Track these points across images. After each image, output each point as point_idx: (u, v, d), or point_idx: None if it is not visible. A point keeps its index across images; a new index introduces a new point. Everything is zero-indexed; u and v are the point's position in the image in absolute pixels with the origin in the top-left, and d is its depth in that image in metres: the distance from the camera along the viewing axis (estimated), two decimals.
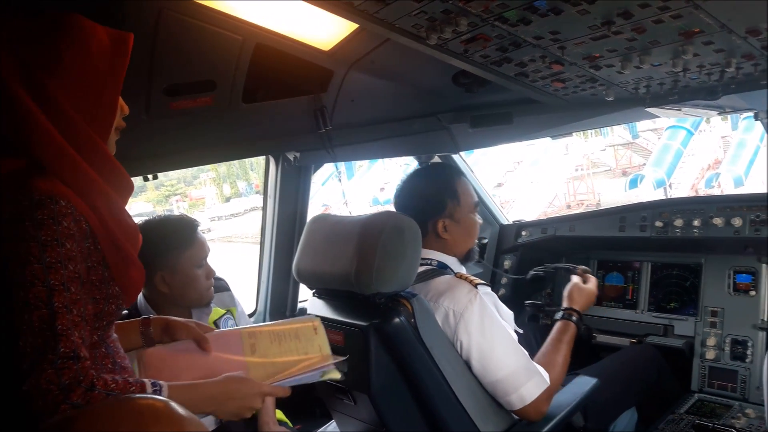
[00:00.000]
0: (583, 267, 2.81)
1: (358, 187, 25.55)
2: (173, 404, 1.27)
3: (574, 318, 2.52)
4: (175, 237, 2.49)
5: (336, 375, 1.82)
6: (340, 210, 28.87)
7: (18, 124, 1.41)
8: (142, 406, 1.25)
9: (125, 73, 1.55)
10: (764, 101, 2.57)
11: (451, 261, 2.48)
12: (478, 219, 2.58)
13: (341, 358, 1.84)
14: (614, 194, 25.60)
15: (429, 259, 2.43)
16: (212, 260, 2.66)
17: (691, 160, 23.72)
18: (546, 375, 2.26)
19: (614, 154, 28.79)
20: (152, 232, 2.39)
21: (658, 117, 3.04)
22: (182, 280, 2.50)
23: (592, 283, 2.72)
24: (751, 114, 2.76)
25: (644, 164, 25.06)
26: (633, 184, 22.89)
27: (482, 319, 2.21)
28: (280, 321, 1.93)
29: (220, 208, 36.64)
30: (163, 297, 2.53)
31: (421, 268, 2.34)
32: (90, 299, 1.48)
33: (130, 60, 1.56)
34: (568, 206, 27.39)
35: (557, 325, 2.52)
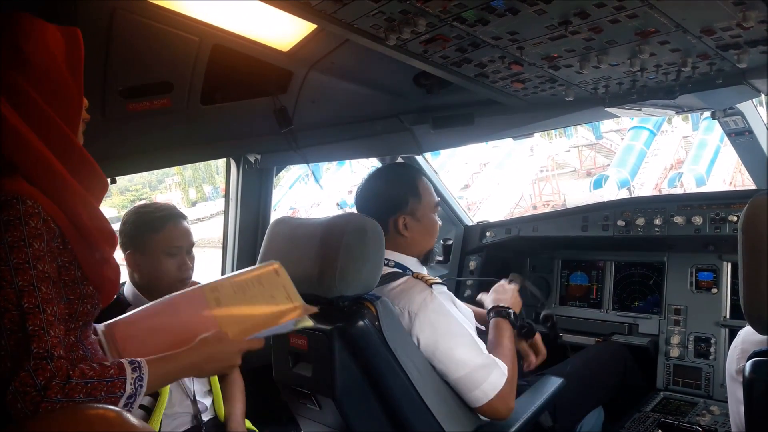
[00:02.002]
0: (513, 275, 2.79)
1: (326, 190, 25.51)
2: (126, 414, 1.27)
3: (503, 312, 2.46)
4: (148, 219, 2.43)
5: (308, 322, 1.80)
6: (308, 213, 28.84)
7: None
8: (93, 417, 1.25)
9: (83, 67, 1.54)
10: (721, 100, 2.61)
11: (411, 262, 2.45)
12: (438, 220, 2.57)
13: (312, 308, 1.81)
14: (579, 195, 25.93)
15: (387, 259, 2.38)
16: None
17: (654, 160, 24.16)
18: (505, 367, 2.24)
19: (578, 155, 29.16)
20: (132, 215, 2.43)
21: (618, 117, 3.07)
22: (150, 264, 2.43)
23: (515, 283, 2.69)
24: (709, 114, 2.80)
25: (608, 165, 25.44)
26: (597, 184, 23.21)
27: (437, 319, 2.19)
28: (240, 270, 1.88)
29: (186, 213, 36.22)
30: (139, 285, 2.48)
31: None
32: (63, 299, 1.47)
33: (84, 61, 1.55)
34: (534, 207, 27.67)
35: (491, 325, 2.46)
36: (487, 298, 2.60)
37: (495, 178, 25.62)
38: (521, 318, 2.55)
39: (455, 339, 2.19)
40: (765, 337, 1.59)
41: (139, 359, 1.47)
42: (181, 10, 2.07)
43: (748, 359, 1.60)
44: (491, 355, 2.23)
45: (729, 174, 21.74)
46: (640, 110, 2.73)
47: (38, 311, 1.35)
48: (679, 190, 22.22)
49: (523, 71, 2.36)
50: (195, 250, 2.59)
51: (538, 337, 2.63)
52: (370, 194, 2.49)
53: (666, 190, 23.55)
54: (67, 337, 1.49)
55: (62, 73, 1.50)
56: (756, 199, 1.52)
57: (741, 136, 2.87)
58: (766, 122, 2.87)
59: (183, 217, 2.55)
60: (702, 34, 1.90)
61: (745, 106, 2.72)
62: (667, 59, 2.14)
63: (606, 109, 2.68)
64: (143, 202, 2.64)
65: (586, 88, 2.53)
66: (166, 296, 1.79)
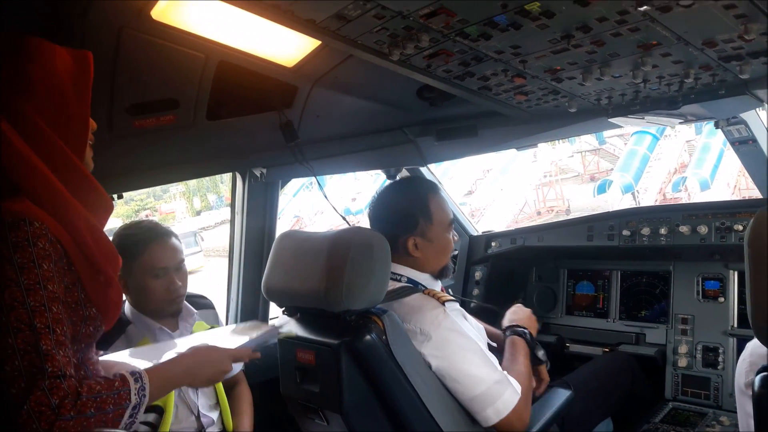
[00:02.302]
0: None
1: (330, 198, 25.51)
2: None
3: (519, 330, 2.50)
4: (128, 242, 2.42)
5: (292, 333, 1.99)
6: (311, 220, 28.85)
7: None
8: None
9: (91, 89, 1.56)
10: (724, 110, 2.62)
11: (423, 278, 2.44)
12: (454, 236, 2.56)
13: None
14: (583, 200, 25.93)
15: (399, 275, 2.39)
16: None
17: (657, 164, 24.17)
18: (518, 385, 2.24)
19: (582, 160, 29.21)
20: (115, 238, 2.40)
21: (621, 126, 3.08)
22: (138, 287, 2.44)
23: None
24: (712, 122, 2.81)
25: (612, 169, 25.46)
26: (601, 189, 23.23)
27: (451, 337, 2.19)
28: None
29: (191, 222, 36.24)
30: (135, 305, 2.49)
31: (392, 285, 2.32)
32: (68, 321, 1.48)
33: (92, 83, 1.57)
34: (539, 213, 27.70)
35: (507, 343, 2.48)
36: (505, 318, 2.62)
37: (498, 183, 25.65)
38: (536, 341, 2.54)
39: (469, 357, 2.19)
40: None
41: (138, 369, 1.52)
42: (188, 28, 2.08)
43: (758, 373, 1.60)
44: (504, 372, 2.23)
45: (733, 177, 21.72)
46: (643, 119, 2.74)
47: (49, 331, 1.37)
48: (683, 194, 22.21)
49: (526, 84, 2.37)
50: (201, 260, 2.59)
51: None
52: (381, 212, 2.48)
53: (670, 195, 23.54)
54: (74, 356, 1.50)
55: (68, 97, 1.51)
56: (762, 212, 1.52)
57: (744, 145, 2.87)
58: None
59: (167, 235, 2.53)
60: (704, 46, 1.91)
61: (748, 115, 2.73)
62: (670, 70, 2.15)
63: (609, 119, 2.69)
64: (128, 222, 2.63)
65: (589, 99, 2.54)
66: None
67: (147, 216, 39.00)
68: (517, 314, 2.61)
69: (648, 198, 23.32)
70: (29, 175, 1.44)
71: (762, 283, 1.48)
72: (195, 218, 37.51)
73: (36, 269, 1.38)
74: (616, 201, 22.98)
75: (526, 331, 2.50)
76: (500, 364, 2.34)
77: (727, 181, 21.82)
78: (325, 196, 3.15)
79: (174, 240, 2.56)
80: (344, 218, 3.60)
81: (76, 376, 1.49)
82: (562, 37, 1.89)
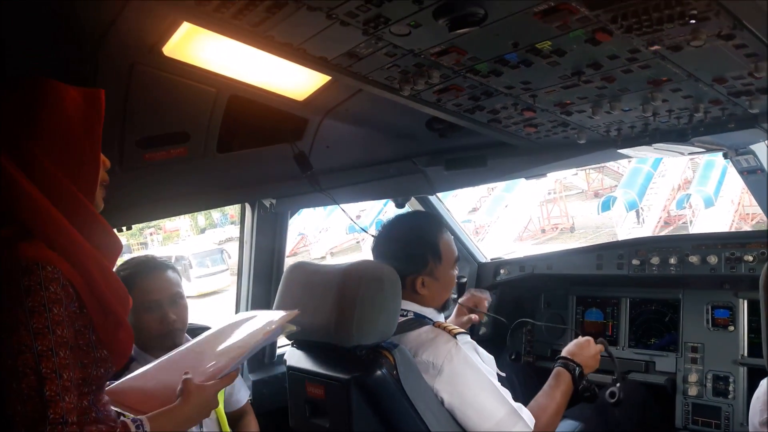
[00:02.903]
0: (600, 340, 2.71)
1: (335, 216, 25.53)
2: None
3: (571, 365, 2.47)
4: (121, 277, 2.40)
5: (293, 328, 2.01)
6: (316, 238, 28.80)
7: (3, 190, 1.42)
8: None
9: (102, 127, 1.57)
10: (733, 141, 2.62)
11: (428, 312, 2.44)
12: (456, 271, 2.56)
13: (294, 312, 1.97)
14: (587, 218, 25.90)
15: (405, 310, 2.38)
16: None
17: (661, 181, 24.14)
18: (530, 419, 2.22)
19: (586, 177, 29.21)
20: None
21: (630, 157, 3.08)
22: (133, 323, 2.42)
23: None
24: (720, 153, 2.81)
25: (616, 186, 25.43)
26: (605, 206, 23.21)
27: (463, 371, 2.18)
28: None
29: (195, 240, 36.22)
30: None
31: (399, 319, 2.31)
32: (78, 364, 1.48)
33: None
34: (543, 230, 27.68)
35: (552, 373, 2.47)
36: (569, 346, 2.59)
37: (503, 200, 25.65)
38: (587, 380, 2.51)
39: (482, 392, 2.18)
40: None
41: (141, 417, 1.52)
42: (199, 63, 2.10)
43: None
44: (516, 405, 2.21)
45: (737, 194, 21.67)
46: (652, 150, 2.74)
47: (55, 377, 1.37)
48: (687, 212, 22.15)
49: (535, 117, 2.38)
50: (228, 278, 2.59)
51: None
52: (389, 248, 2.47)
53: (674, 212, 23.49)
54: (80, 401, 1.50)
55: (77, 138, 1.52)
56: None
57: (753, 174, 2.87)
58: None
59: (160, 267, 2.52)
60: (714, 82, 1.92)
61: (757, 145, 2.73)
62: (680, 105, 2.16)
63: (618, 150, 2.69)
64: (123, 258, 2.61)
65: (598, 131, 2.55)
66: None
67: (151, 234, 39.04)
68: (579, 347, 2.57)
69: (652, 215, 23.29)
70: (41, 220, 1.45)
71: None
72: (199, 236, 37.46)
73: (46, 313, 1.38)
74: (620, 218, 22.98)
75: (577, 368, 2.47)
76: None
77: (731, 197, 21.78)
78: (344, 211, 3.14)
79: (169, 273, 2.54)
80: (365, 231, 3.60)
81: (84, 419, 1.49)
82: (572, 74, 1.90)
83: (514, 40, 1.69)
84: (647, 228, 22.51)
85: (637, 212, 22.88)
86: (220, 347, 1.86)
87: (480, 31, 1.58)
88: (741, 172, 2.91)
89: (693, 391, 3.28)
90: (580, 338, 2.63)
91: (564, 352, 2.55)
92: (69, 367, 1.41)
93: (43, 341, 1.37)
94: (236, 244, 3.44)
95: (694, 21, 1.44)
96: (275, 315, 1.98)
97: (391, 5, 1.50)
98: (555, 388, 2.40)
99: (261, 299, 3.31)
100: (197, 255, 24.63)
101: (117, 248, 1.65)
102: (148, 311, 2.45)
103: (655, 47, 1.64)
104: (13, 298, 1.38)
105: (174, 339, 2.48)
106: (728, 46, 1.62)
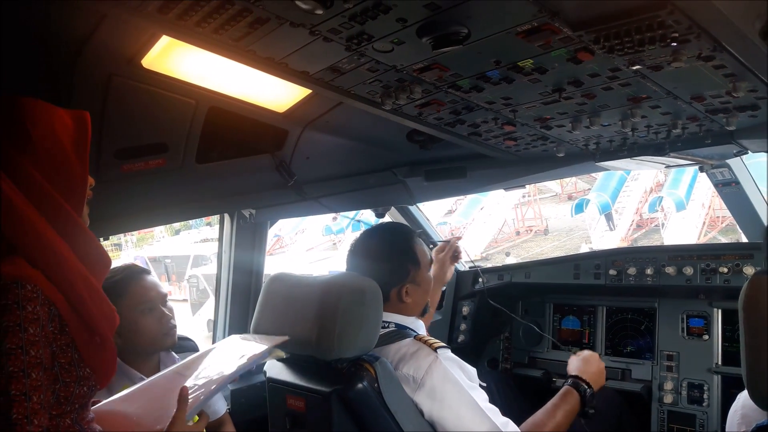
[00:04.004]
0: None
1: (310, 218, 25.42)
2: None
3: (582, 387, 2.44)
4: (108, 285, 2.38)
5: (281, 354, 2.04)
6: (292, 239, 28.65)
7: None
8: None
9: (89, 147, 1.57)
10: (709, 155, 2.66)
11: (410, 321, 2.43)
12: (431, 272, 2.56)
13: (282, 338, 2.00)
14: (561, 220, 26.11)
15: (387, 322, 2.36)
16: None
17: (634, 184, 24.39)
18: (514, 429, 2.21)
19: (560, 180, 29.42)
20: None
21: (608, 170, 3.11)
22: (128, 327, 2.39)
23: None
24: (696, 166, 2.85)
25: (589, 189, 25.65)
26: (579, 209, 23.39)
27: (443, 386, 2.17)
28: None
29: (169, 241, 35.76)
30: (120, 347, 2.45)
31: (381, 331, 2.30)
32: (59, 382, 1.46)
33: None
34: (518, 233, 27.84)
35: (561, 391, 2.45)
36: (574, 361, 2.57)
37: (479, 203, 25.78)
38: (594, 398, 2.49)
39: (461, 407, 2.16)
40: None
41: None
42: (179, 75, 2.08)
43: (754, 430, 1.61)
44: (501, 421, 2.18)
45: (707, 198, 21.97)
46: (630, 162, 2.77)
47: (24, 399, 1.33)
48: (659, 215, 22.42)
49: (515, 131, 2.40)
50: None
51: None
52: (367, 263, 2.42)
53: (647, 215, 23.75)
54: (63, 419, 1.47)
55: (68, 155, 1.52)
56: (756, 278, 1.53)
57: (728, 187, 2.92)
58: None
59: (146, 272, 2.55)
60: (692, 100, 1.95)
61: (732, 160, 2.77)
62: (658, 121, 2.19)
63: (596, 163, 2.72)
64: None
65: (577, 145, 2.58)
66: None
67: (125, 235, 38.57)
68: (589, 365, 2.55)
69: (625, 218, 23.52)
70: (28, 235, 1.42)
71: (757, 349, 1.49)
72: (174, 237, 36.99)
73: (21, 333, 1.35)
74: (593, 220, 23.20)
75: (588, 389, 2.45)
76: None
77: (702, 201, 22.06)
78: (336, 216, 3.16)
79: (153, 277, 2.58)
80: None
81: None
82: (553, 90, 1.92)
83: (497, 57, 1.70)
84: (620, 231, 22.75)
85: (607, 217, 23.06)
86: (204, 371, 1.85)
87: (463, 49, 1.59)
88: (716, 185, 2.96)
89: (668, 398, 3.33)
90: (586, 353, 2.63)
91: (574, 370, 2.52)
92: (41, 389, 1.37)
93: (15, 362, 1.34)
94: (211, 245, 3.41)
95: (675, 44, 1.46)
96: (265, 340, 2.00)
97: (374, 23, 1.50)
98: (558, 408, 2.37)
99: (240, 306, 3.29)
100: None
101: (106, 264, 1.63)
102: (147, 312, 2.46)
103: (636, 67, 1.66)
104: None
105: (173, 337, 2.54)
106: (707, 66, 1.65)
